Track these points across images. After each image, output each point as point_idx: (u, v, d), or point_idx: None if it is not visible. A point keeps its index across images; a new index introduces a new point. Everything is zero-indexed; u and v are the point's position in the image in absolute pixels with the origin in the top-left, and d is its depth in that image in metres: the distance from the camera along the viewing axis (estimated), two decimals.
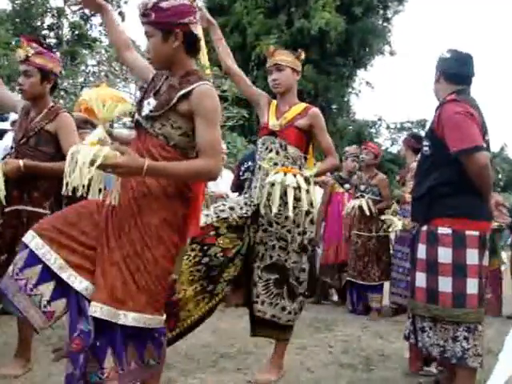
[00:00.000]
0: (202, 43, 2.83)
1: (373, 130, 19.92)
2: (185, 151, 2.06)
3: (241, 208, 2.92)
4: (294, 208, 2.86)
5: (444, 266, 2.66)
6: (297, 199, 2.84)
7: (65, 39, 17.45)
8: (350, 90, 18.86)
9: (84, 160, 1.88)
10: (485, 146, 2.68)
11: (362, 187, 5.37)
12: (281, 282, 2.90)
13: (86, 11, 18.35)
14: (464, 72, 2.85)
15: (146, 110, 2.05)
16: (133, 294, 1.95)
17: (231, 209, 2.90)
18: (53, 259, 1.93)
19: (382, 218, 5.08)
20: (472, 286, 2.66)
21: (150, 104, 2.06)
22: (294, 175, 2.82)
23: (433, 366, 3.09)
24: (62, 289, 1.95)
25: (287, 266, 2.91)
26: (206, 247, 2.76)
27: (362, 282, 5.20)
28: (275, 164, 2.92)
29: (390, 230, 4.99)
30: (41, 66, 2.87)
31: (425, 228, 2.74)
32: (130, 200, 1.99)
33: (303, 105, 3.12)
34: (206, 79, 2.09)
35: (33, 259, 1.93)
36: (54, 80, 2.97)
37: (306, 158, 3.06)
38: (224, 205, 2.96)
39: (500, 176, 4.85)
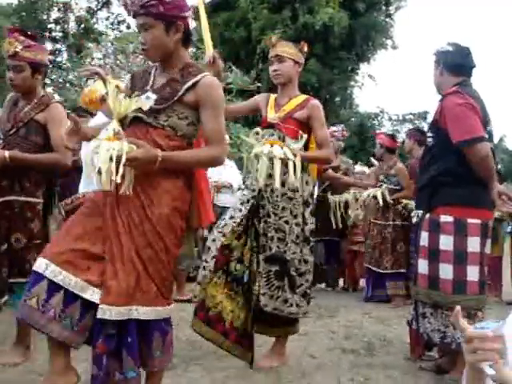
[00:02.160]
0: (208, 38, 2.97)
1: (375, 122, 20.00)
2: (190, 140, 2.11)
3: (240, 210, 2.95)
4: (291, 199, 2.90)
5: (445, 253, 2.72)
6: (292, 189, 2.89)
7: (71, 33, 17.52)
8: (353, 83, 18.95)
9: (109, 155, 1.86)
10: (487, 136, 2.72)
11: (381, 177, 5.39)
12: (281, 274, 2.88)
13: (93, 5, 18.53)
14: (466, 63, 2.90)
15: (147, 105, 2.03)
16: (145, 288, 1.95)
17: (231, 218, 2.94)
18: (73, 283, 1.89)
19: (404, 202, 5.09)
20: (473, 272, 2.70)
21: (150, 98, 2.04)
22: (281, 147, 2.81)
23: (434, 350, 3.13)
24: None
25: (286, 257, 2.88)
26: (225, 267, 2.85)
27: (378, 270, 5.22)
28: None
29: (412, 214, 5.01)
30: (31, 59, 2.81)
31: (427, 216, 2.80)
32: (138, 193, 1.97)
33: (303, 96, 3.08)
34: (205, 71, 2.12)
35: (54, 288, 1.89)
36: (44, 71, 2.93)
37: (306, 150, 3.03)
38: (224, 219, 2.98)
39: (499, 167, 4.92)
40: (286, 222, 2.90)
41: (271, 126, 2.99)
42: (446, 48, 2.93)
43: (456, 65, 2.88)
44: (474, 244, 2.72)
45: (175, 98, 2.03)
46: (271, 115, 3.03)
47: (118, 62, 9.32)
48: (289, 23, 16.14)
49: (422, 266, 2.81)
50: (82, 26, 18.05)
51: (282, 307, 2.88)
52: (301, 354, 3.22)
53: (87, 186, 3.53)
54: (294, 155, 2.80)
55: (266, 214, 2.91)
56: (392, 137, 5.65)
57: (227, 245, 2.87)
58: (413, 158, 5.31)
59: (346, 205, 5.68)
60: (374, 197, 5.21)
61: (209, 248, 2.92)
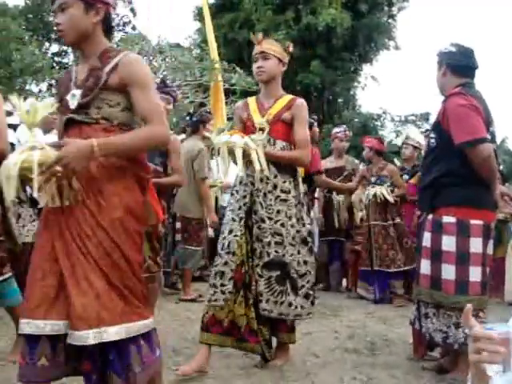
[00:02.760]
0: (212, 39, 3.03)
1: (378, 123, 20.01)
2: (130, 127, 1.97)
3: (234, 220, 2.88)
4: (285, 201, 2.87)
5: (448, 254, 2.72)
6: (285, 191, 2.87)
7: None
8: (355, 83, 19.01)
9: (9, 171, 1.72)
10: (489, 137, 2.72)
11: (373, 179, 5.46)
12: (283, 279, 2.85)
13: None
14: (470, 64, 2.90)
15: (74, 103, 1.93)
16: (109, 305, 1.83)
17: (231, 232, 2.86)
18: (48, 327, 1.81)
19: None
20: (475, 273, 2.71)
21: (75, 95, 1.94)
22: (242, 136, 2.73)
23: (436, 351, 3.13)
24: None
25: (286, 260, 2.85)
26: (245, 284, 2.82)
27: (387, 270, 5.22)
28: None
29: None
30: None
31: (430, 217, 2.81)
32: (85, 201, 1.85)
33: (288, 97, 3.01)
34: (132, 53, 2.00)
35: (34, 341, 1.83)
36: None
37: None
38: (224, 236, 2.88)
39: (501, 168, 4.94)
40: (282, 225, 2.86)
41: (260, 130, 2.91)
42: (449, 49, 2.92)
43: (459, 66, 2.88)
44: (476, 245, 2.72)
45: (100, 86, 1.91)
46: (258, 120, 2.95)
47: None
48: (292, 24, 16.22)
49: (425, 266, 2.82)
50: None
51: (287, 311, 2.86)
52: (304, 353, 3.24)
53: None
54: (257, 143, 2.74)
55: (259, 219, 2.85)
56: (380, 140, 5.80)
57: (241, 262, 2.82)
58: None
59: (351, 205, 5.73)
60: (374, 195, 5.28)
61: (222, 272, 2.81)
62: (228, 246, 2.84)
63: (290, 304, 2.86)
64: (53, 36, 17.84)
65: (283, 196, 2.88)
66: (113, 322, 1.82)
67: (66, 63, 16.47)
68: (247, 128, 2.96)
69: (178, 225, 5.17)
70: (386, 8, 18.46)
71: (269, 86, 3.00)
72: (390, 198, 5.24)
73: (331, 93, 17.18)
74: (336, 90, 17.22)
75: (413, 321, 2.96)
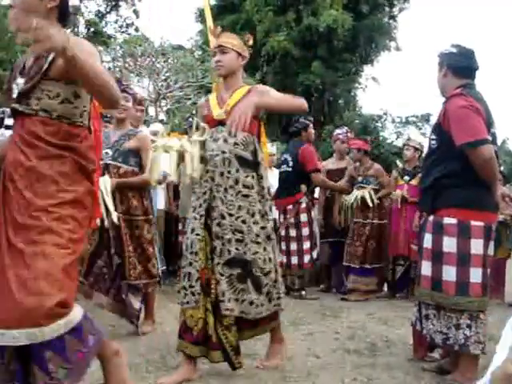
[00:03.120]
0: (213, 40, 3.00)
1: (378, 124, 20.00)
2: (71, 121, 1.91)
3: (195, 218, 2.79)
4: (247, 196, 2.76)
5: (449, 255, 2.73)
6: (247, 186, 2.76)
7: (81, 36, 17.65)
8: (356, 85, 19.04)
9: None
10: (490, 138, 2.72)
11: (360, 179, 5.66)
12: (244, 276, 2.74)
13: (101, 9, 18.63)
14: (470, 65, 2.90)
15: (15, 92, 1.90)
16: (8, 305, 1.69)
17: (193, 231, 2.77)
18: None
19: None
20: (476, 275, 2.71)
21: (18, 84, 1.90)
22: (179, 139, 2.70)
23: (436, 352, 3.14)
24: None
25: (247, 258, 2.73)
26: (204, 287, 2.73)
27: (361, 266, 5.45)
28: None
29: None
30: None
31: (431, 218, 2.81)
32: (21, 190, 1.81)
33: (247, 87, 2.92)
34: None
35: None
36: None
37: (259, 142, 2.91)
38: (187, 238, 2.79)
39: (502, 169, 4.96)
40: (244, 222, 2.74)
41: (220, 123, 2.83)
42: (450, 50, 2.92)
43: (460, 67, 2.88)
44: (477, 246, 2.73)
45: (40, 75, 1.86)
46: (217, 112, 2.87)
47: (126, 64, 9.42)
48: (293, 25, 16.26)
49: (426, 267, 2.82)
50: (92, 29, 18.20)
51: (248, 310, 2.75)
52: (305, 354, 3.25)
53: None
54: (195, 145, 2.69)
55: (219, 216, 2.74)
56: (365, 140, 6.00)
57: (205, 262, 2.74)
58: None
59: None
60: (362, 198, 5.48)
61: (189, 273, 2.74)
62: (191, 245, 2.76)
63: (252, 302, 2.75)
64: None
65: (245, 191, 2.76)
66: (9, 324, 1.68)
67: None
68: (209, 123, 2.86)
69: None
70: (386, 9, 18.50)
71: (228, 80, 2.93)
72: (370, 203, 5.46)
73: (332, 94, 17.20)
74: (337, 91, 17.25)
75: (414, 322, 2.97)
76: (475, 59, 2.93)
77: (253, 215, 2.76)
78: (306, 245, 5.26)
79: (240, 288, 2.73)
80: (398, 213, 5.53)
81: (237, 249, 2.73)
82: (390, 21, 18.64)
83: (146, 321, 3.74)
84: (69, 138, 1.92)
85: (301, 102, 2.88)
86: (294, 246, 5.27)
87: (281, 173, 5.58)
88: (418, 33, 59.13)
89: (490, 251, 2.83)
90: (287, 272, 5.22)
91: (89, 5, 19.95)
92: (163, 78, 10.51)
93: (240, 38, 2.94)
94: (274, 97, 2.84)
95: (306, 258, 5.27)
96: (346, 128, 6.38)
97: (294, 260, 5.26)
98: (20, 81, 1.91)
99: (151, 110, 11.53)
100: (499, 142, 3.58)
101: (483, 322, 2.74)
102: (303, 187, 5.29)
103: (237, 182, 2.74)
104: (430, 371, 2.95)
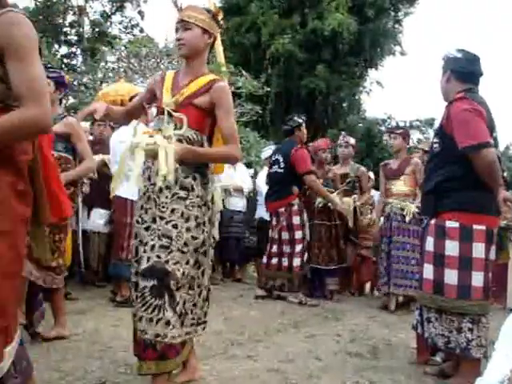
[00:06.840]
0: (219, 41, 2.85)
1: (382, 128, 20.02)
2: (4, 104, 1.61)
3: (137, 222, 2.48)
4: (184, 199, 2.37)
5: (450, 259, 2.73)
6: (185, 188, 2.39)
7: (86, 36, 17.72)
8: (361, 88, 19.02)
9: None
10: (492, 142, 2.71)
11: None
12: (160, 290, 2.28)
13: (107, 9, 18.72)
14: (475, 71, 2.89)
15: None
16: None
17: (136, 237, 2.48)
18: None
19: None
20: (477, 278, 2.72)
21: None
22: (151, 136, 2.27)
23: (438, 355, 3.14)
24: None
25: (167, 268, 2.29)
26: None
27: (324, 267, 5.51)
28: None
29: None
30: None
31: (433, 221, 2.82)
32: None
33: (209, 77, 2.50)
34: (15, 11, 1.59)
35: None
36: None
37: (210, 142, 2.54)
38: (133, 244, 2.51)
39: (505, 174, 4.94)
40: (175, 226, 2.34)
41: (169, 113, 2.43)
42: (455, 55, 2.91)
43: (464, 72, 2.87)
44: (479, 250, 2.73)
45: None
46: (167, 99, 2.46)
47: (131, 65, 9.45)
48: (298, 28, 16.26)
49: (428, 270, 2.83)
50: (97, 29, 18.26)
51: (164, 331, 2.27)
52: (307, 357, 3.25)
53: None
54: (169, 141, 2.29)
55: (150, 220, 2.39)
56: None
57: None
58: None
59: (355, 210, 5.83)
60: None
61: (135, 283, 2.39)
62: (135, 252, 2.45)
63: (168, 322, 2.28)
64: (62, 38, 17.97)
65: (182, 193, 2.38)
66: None
67: (75, 65, 16.58)
68: (157, 108, 2.53)
69: None
70: (392, 13, 18.47)
71: (190, 63, 2.51)
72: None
73: (336, 97, 17.18)
74: (341, 94, 17.22)
75: (415, 325, 2.97)
76: (480, 65, 2.92)
77: (187, 220, 2.36)
78: (298, 248, 5.18)
79: (154, 304, 2.28)
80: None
81: (158, 256, 2.31)
82: (395, 25, 18.63)
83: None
84: None
85: (231, 154, 2.48)
86: (286, 249, 5.21)
87: (272, 174, 5.43)
88: (423, 37, 59.18)
89: (492, 255, 2.83)
90: (278, 274, 5.21)
91: (94, 5, 20.01)
92: None
93: (207, 11, 2.51)
94: (221, 109, 2.44)
95: (297, 262, 5.16)
96: (343, 133, 6.46)
97: (285, 262, 5.21)
98: None
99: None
100: (502, 148, 3.59)
101: (485, 325, 2.74)
102: (295, 189, 5.18)
103: (174, 182, 2.34)
104: (431, 375, 2.96)
